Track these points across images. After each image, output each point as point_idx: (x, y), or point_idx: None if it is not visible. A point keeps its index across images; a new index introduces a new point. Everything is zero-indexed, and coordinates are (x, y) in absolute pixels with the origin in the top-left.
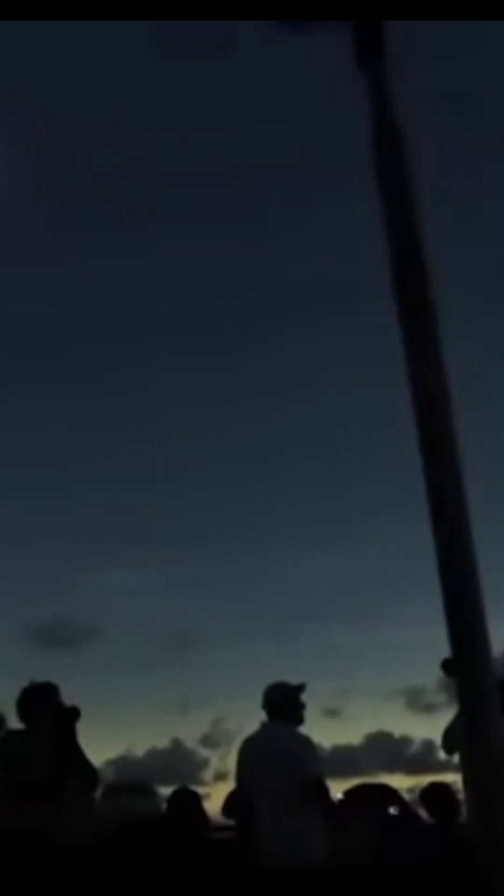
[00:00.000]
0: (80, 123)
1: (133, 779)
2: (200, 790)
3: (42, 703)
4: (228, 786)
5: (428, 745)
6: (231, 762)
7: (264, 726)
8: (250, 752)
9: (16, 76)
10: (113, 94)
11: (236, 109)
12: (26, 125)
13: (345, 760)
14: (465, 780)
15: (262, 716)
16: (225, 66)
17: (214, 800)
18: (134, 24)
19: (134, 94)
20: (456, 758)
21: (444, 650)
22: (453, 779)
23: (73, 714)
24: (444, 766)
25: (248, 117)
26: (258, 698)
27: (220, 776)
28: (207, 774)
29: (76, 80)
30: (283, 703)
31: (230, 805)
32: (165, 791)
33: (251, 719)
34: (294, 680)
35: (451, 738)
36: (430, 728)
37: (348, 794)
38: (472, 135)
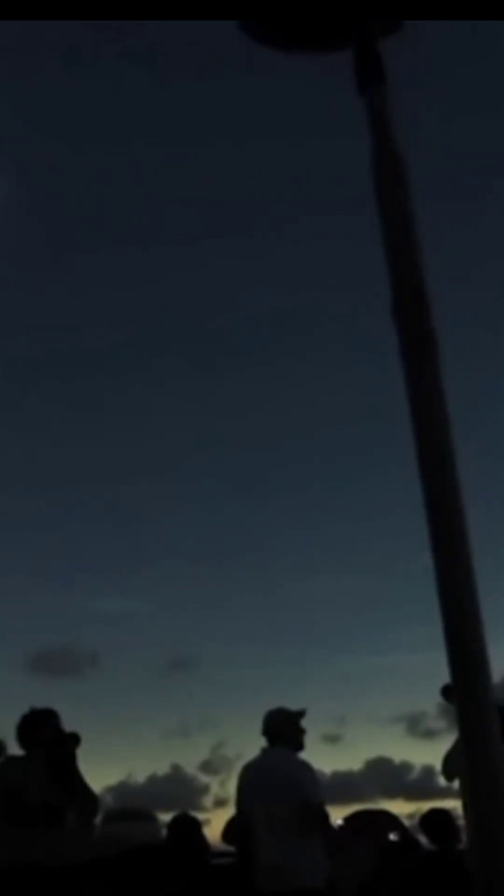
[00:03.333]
0: (80, 144)
1: (133, 805)
2: (201, 816)
3: (42, 730)
4: (228, 812)
5: (428, 771)
6: (231, 788)
7: (264, 752)
8: (250, 778)
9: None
10: (113, 115)
11: (238, 131)
12: (24, 145)
13: (345, 786)
14: (465, 806)
15: (262, 742)
16: (226, 87)
17: (215, 826)
18: (135, 42)
19: (134, 114)
20: (456, 784)
21: (443, 676)
22: (453, 805)
23: (74, 740)
24: (444, 792)
25: (249, 139)
26: (258, 724)
27: (221, 802)
28: (208, 800)
29: (76, 99)
30: (283, 729)
31: (230, 831)
32: (166, 817)
33: (251, 745)
34: (294, 706)
35: (451, 764)
36: (430, 754)
37: (348, 820)
38: (473, 158)
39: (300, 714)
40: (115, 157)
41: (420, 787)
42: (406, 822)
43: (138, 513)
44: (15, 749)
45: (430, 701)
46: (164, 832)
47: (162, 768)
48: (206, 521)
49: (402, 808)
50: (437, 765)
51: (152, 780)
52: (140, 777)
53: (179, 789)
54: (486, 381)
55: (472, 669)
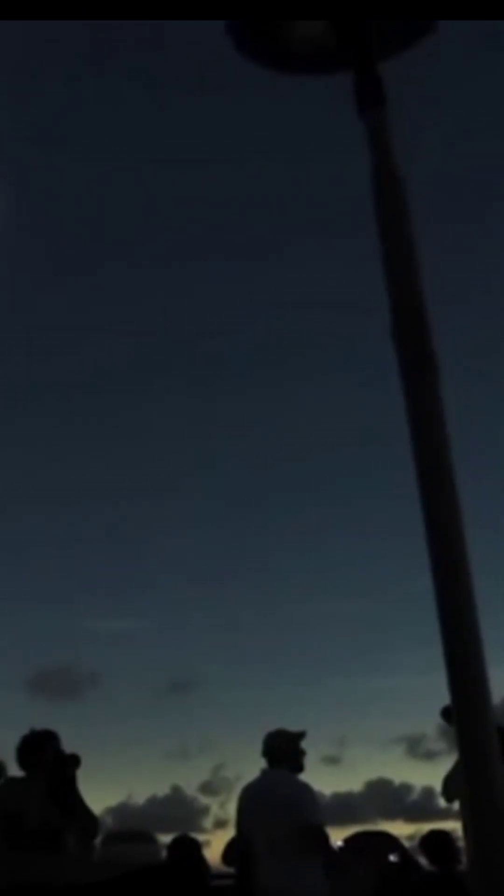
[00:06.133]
0: (80, 163)
1: (133, 826)
2: (201, 837)
3: (42, 751)
4: (228, 833)
5: (428, 793)
6: (231, 810)
7: (264, 773)
8: (250, 799)
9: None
10: (113, 134)
11: (238, 151)
12: (24, 164)
13: (345, 808)
14: (465, 828)
15: (262, 763)
16: (226, 107)
17: (215, 847)
18: (135, 62)
19: (134, 134)
20: (456, 805)
21: (444, 698)
22: (453, 826)
23: (74, 762)
24: (444, 814)
25: (249, 160)
26: (258, 745)
27: (221, 823)
28: (207, 822)
29: (76, 118)
30: (283, 751)
31: (230, 852)
32: (165, 838)
33: (251, 766)
34: (294, 727)
35: (451, 786)
36: (430, 775)
37: (348, 841)
38: (473, 180)
39: (300, 735)
40: (115, 176)
41: (420, 808)
42: (406, 844)
43: (138, 533)
44: (15, 770)
45: (430, 722)
46: (164, 854)
47: (162, 789)
48: (205, 542)
49: (402, 830)
50: (438, 786)
51: (152, 801)
52: (140, 798)
53: (179, 810)
54: (486, 403)
55: (473, 691)
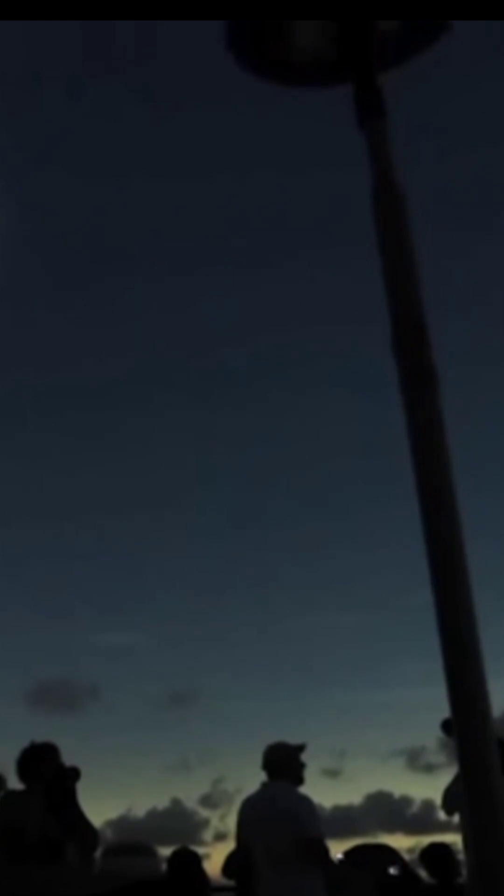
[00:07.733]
0: (80, 176)
1: (133, 839)
2: (200, 850)
3: (42, 764)
4: (228, 846)
5: (428, 806)
6: (231, 822)
7: (264, 786)
8: (250, 812)
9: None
10: (113, 147)
11: (239, 163)
12: (24, 177)
13: (345, 820)
14: (465, 841)
15: (262, 776)
16: (226, 119)
17: (215, 860)
18: (136, 74)
19: (134, 147)
20: (456, 818)
21: (444, 710)
22: (453, 839)
23: (74, 774)
24: (444, 827)
25: (250, 172)
26: (258, 758)
27: (220, 836)
28: (207, 834)
29: (76, 131)
30: (283, 763)
31: (230, 865)
32: (165, 851)
33: (251, 779)
34: (294, 740)
35: (451, 799)
36: (430, 788)
37: (348, 854)
38: (473, 191)
39: (300, 748)
40: (115, 189)
41: (420, 821)
42: (406, 857)
43: (139, 546)
44: (15, 783)
45: (430, 735)
46: (163, 867)
47: (162, 802)
48: (206, 555)
49: (402, 843)
50: (438, 799)
51: (152, 814)
52: (140, 811)
53: (179, 823)
54: (486, 415)
55: (472, 704)
